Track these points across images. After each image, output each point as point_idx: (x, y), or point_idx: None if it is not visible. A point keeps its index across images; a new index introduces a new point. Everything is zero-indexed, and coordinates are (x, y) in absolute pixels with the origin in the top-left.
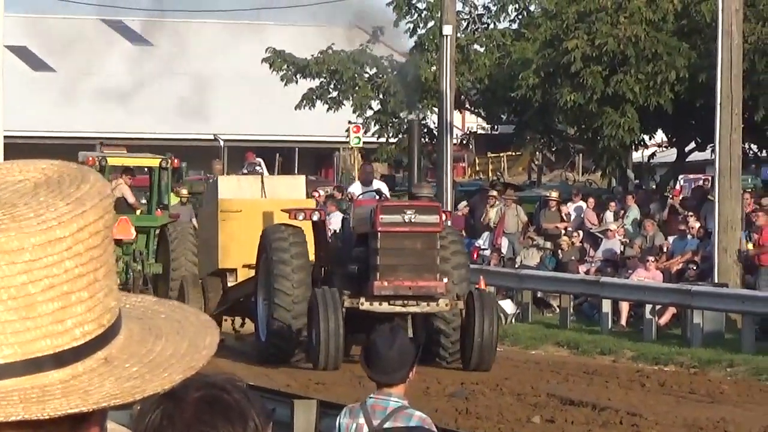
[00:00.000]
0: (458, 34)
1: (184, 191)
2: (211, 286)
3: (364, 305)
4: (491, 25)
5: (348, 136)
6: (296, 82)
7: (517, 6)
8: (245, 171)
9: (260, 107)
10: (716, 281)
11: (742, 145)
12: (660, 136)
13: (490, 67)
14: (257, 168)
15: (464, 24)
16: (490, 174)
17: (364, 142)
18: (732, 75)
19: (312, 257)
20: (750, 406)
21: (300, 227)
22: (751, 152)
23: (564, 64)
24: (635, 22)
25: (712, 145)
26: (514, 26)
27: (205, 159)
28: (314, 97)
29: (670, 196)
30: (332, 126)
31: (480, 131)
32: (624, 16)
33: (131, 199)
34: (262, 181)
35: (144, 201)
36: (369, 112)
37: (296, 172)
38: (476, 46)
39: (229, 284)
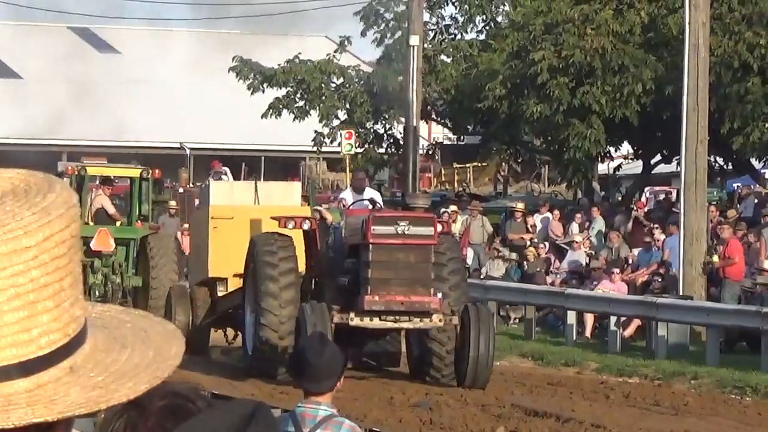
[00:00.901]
0: (425, 45)
1: (173, 203)
2: (199, 297)
3: (354, 321)
4: (458, 36)
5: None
6: (263, 91)
7: (484, 17)
8: (211, 180)
9: (226, 116)
10: (681, 293)
11: (707, 157)
12: (626, 148)
13: (457, 78)
14: (223, 177)
15: (431, 34)
16: (456, 185)
17: (329, 152)
18: (698, 88)
19: (302, 267)
20: (714, 418)
21: (290, 237)
22: (717, 165)
23: (531, 75)
24: (602, 34)
25: (677, 157)
26: (481, 37)
27: (171, 167)
28: (281, 107)
29: (635, 208)
30: (299, 135)
31: (446, 142)
32: (591, 28)
33: (111, 209)
34: (256, 187)
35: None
36: (335, 122)
37: (262, 181)
38: (443, 57)
39: (219, 294)
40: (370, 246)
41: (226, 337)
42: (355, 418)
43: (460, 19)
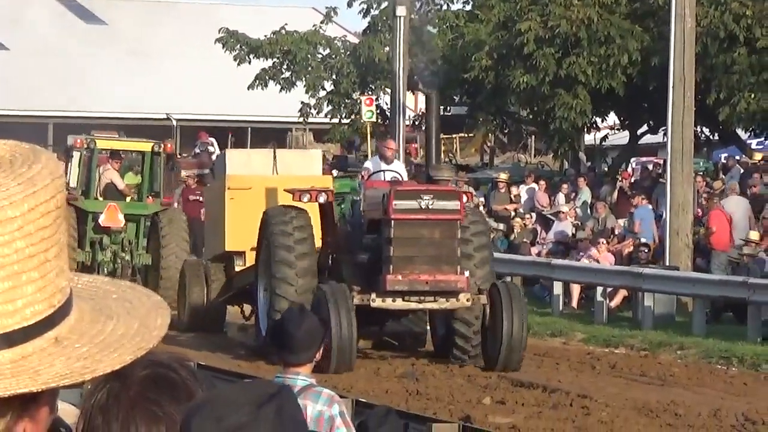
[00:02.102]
0: (412, 15)
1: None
2: (214, 273)
3: (376, 302)
4: (444, 6)
5: (301, 117)
6: (249, 63)
7: None
8: (197, 151)
9: (213, 87)
10: (667, 264)
11: (694, 128)
12: (612, 118)
13: (444, 49)
14: (209, 148)
15: (418, 5)
16: (443, 155)
17: (315, 123)
18: (685, 58)
19: (318, 243)
20: (700, 388)
21: (305, 210)
22: (703, 135)
23: (517, 45)
24: (588, 5)
25: (664, 128)
26: (468, 8)
27: (156, 138)
28: (267, 78)
29: (620, 178)
30: (285, 106)
31: None
32: None
33: (121, 184)
34: (275, 156)
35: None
36: (322, 93)
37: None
38: (429, 27)
39: (237, 269)
40: (392, 222)
41: (243, 314)
42: (342, 389)
43: None
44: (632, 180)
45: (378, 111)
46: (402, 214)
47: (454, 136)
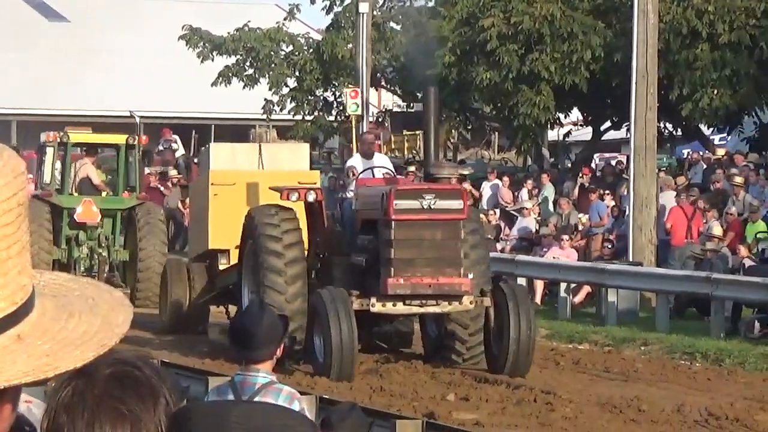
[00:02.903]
0: (375, 12)
1: (174, 172)
2: (196, 272)
3: (375, 307)
4: (407, 3)
5: (264, 114)
6: (212, 60)
7: None
8: (161, 148)
9: (176, 84)
10: (631, 260)
11: (657, 124)
12: (575, 114)
13: (406, 45)
14: (173, 145)
15: (381, 1)
16: (406, 152)
17: (279, 120)
18: (647, 54)
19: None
20: (663, 384)
21: (292, 209)
22: (666, 131)
23: (480, 42)
24: (551, 1)
25: (627, 123)
26: (431, 4)
27: None
28: (230, 75)
29: (580, 174)
30: (248, 103)
31: (396, 109)
32: None
33: (96, 179)
34: (260, 150)
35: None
36: (285, 90)
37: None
38: (392, 24)
39: (221, 267)
40: (393, 223)
41: (227, 314)
42: (305, 386)
43: None
44: (591, 176)
45: (341, 108)
46: (403, 214)
47: (417, 132)
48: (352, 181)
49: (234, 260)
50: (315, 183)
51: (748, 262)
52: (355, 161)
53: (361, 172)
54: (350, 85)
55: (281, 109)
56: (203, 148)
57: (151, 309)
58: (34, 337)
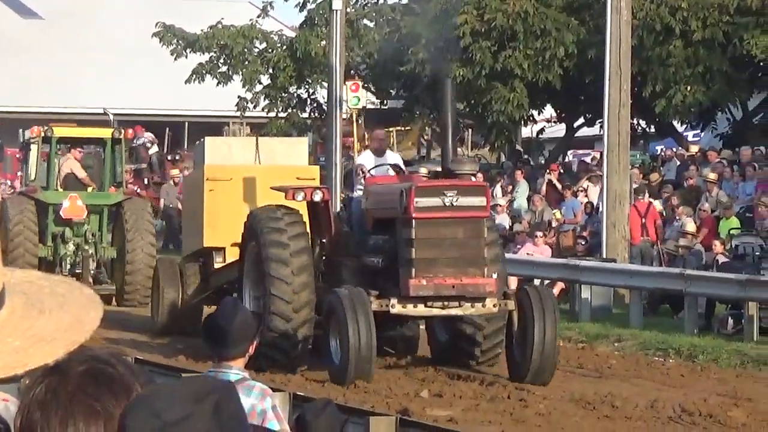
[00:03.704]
0: (348, 9)
1: (176, 171)
2: (189, 271)
3: (396, 308)
4: (381, 0)
5: (238, 111)
6: (186, 57)
7: None
8: (134, 145)
9: (150, 81)
10: (604, 257)
11: (630, 120)
12: (549, 111)
13: (380, 42)
14: (147, 143)
15: None
16: None
17: (252, 117)
18: (621, 51)
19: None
20: (637, 380)
21: (298, 210)
22: (639, 128)
23: (453, 39)
24: None
25: (600, 120)
26: (404, 1)
27: None
28: (204, 72)
29: (548, 171)
30: (222, 100)
31: (370, 106)
32: None
33: (81, 174)
34: (257, 144)
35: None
36: (258, 87)
37: (186, 146)
38: (366, 21)
39: (216, 266)
40: (414, 221)
41: None
42: (279, 383)
43: None
44: (560, 172)
45: (315, 105)
46: (424, 212)
47: (390, 129)
48: (360, 179)
49: (230, 258)
50: (314, 179)
51: (721, 259)
52: (365, 159)
53: (372, 169)
54: (324, 83)
55: (255, 107)
56: (198, 142)
57: (139, 308)
58: (3, 334)
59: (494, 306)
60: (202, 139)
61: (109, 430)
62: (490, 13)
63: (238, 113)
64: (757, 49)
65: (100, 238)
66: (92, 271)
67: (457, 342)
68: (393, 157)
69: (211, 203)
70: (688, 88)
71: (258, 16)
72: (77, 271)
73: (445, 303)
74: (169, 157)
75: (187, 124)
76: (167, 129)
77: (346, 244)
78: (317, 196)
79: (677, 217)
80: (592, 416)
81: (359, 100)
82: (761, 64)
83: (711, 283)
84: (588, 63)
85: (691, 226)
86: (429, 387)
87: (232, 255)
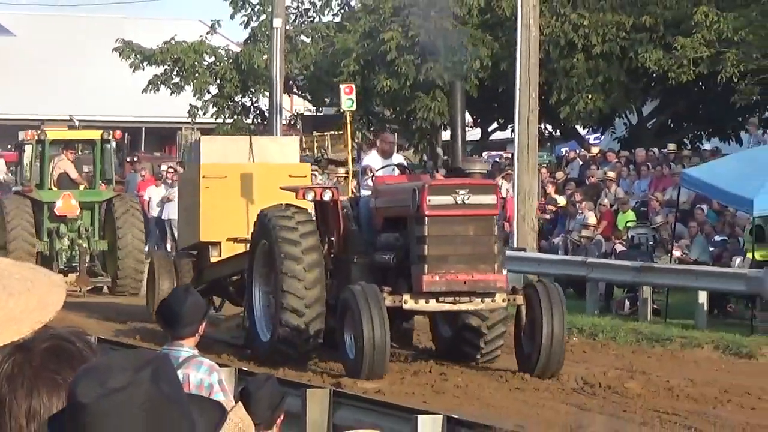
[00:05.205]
0: (287, 27)
1: (166, 168)
2: (183, 265)
3: (408, 303)
4: (316, 18)
5: (190, 118)
6: (143, 69)
7: (339, 1)
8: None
9: (111, 91)
10: (515, 246)
11: (538, 125)
12: (466, 117)
13: (316, 56)
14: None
15: (293, 17)
16: (316, 151)
17: (202, 123)
18: (530, 63)
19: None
20: None
21: (307, 210)
22: (546, 132)
23: (381, 53)
24: (445, 16)
25: (512, 125)
26: (337, 19)
27: None
28: (159, 83)
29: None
30: (175, 108)
31: (306, 113)
32: (434, 11)
33: (74, 173)
34: (250, 143)
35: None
36: (207, 96)
37: (143, 149)
38: (303, 37)
39: (212, 260)
40: (426, 219)
41: (213, 305)
42: (226, 359)
43: (318, 3)
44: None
45: (258, 113)
46: (437, 210)
47: (326, 133)
48: (367, 179)
49: (225, 253)
50: (305, 176)
51: (619, 248)
52: (372, 160)
53: (380, 169)
54: (265, 92)
55: (204, 113)
56: (192, 141)
57: (129, 297)
58: None
59: (503, 301)
60: (197, 138)
61: None
62: (414, 30)
63: (190, 119)
64: (651, 62)
65: (93, 232)
66: (86, 264)
67: (461, 337)
68: (398, 157)
69: (208, 200)
70: (590, 96)
71: (207, 33)
72: (73, 264)
73: (457, 298)
74: (128, 159)
75: (144, 129)
76: (126, 133)
77: (354, 242)
78: (327, 196)
79: (580, 211)
80: (505, 388)
81: (352, 102)
82: (654, 75)
83: (610, 269)
84: (501, 74)
85: (592, 219)
86: (326, 356)
87: (228, 249)
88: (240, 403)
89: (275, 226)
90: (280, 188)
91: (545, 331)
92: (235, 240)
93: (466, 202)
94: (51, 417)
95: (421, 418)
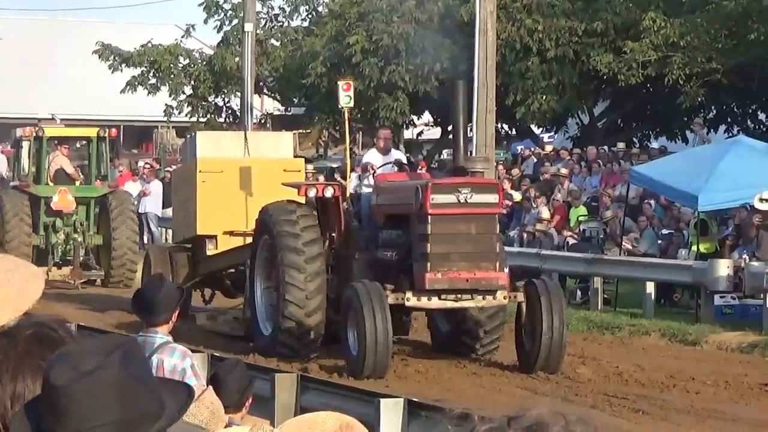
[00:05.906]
0: (258, 31)
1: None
2: (178, 258)
3: (411, 301)
4: (286, 23)
5: (165, 117)
6: (121, 71)
7: (307, 7)
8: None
9: (91, 92)
10: None
11: (495, 124)
12: (427, 117)
13: (285, 59)
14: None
15: (263, 22)
16: None
17: (177, 122)
18: (487, 66)
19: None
20: (502, 343)
21: (306, 204)
22: (503, 131)
23: (346, 56)
24: (406, 21)
25: (470, 124)
26: (305, 24)
27: None
28: (136, 84)
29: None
30: (151, 108)
31: (276, 112)
32: (397, 17)
33: (70, 169)
34: (246, 138)
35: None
36: (182, 96)
37: (122, 147)
38: (273, 41)
39: (208, 253)
40: (429, 217)
41: (203, 297)
42: (199, 345)
43: (287, 9)
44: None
45: (230, 112)
46: (440, 208)
47: (294, 132)
48: (368, 176)
49: (222, 246)
50: (299, 171)
51: (571, 241)
52: (372, 157)
53: (380, 167)
54: (237, 93)
55: (179, 113)
56: (188, 136)
57: (122, 289)
58: None
59: (504, 298)
60: (193, 134)
61: None
62: (377, 34)
63: (165, 118)
64: (602, 65)
65: (88, 227)
66: (81, 258)
67: (459, 332)
68: (397, 153)
69: (204, 194)
70: (544, 97)
71: (182, 37)
72: (68, 257)
73: (459, 296)
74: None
75: (122, 127)
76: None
77: (355, 238)
78: (328, 193)
79: (535, 206)
80: (463, 373)
81: (351, 98)
82: (605, 77)
83: (563, 261)
84: (459, 76)
85: (546, 214)
86: (326, 350)
87: (224, 242)
88: (210, 387)
89: (277, 221)
90: (282, 184)
91: (545, 328)
92: (231, 233)
93: (469, 200)
94: (27, 404)
95: (383, 401)
